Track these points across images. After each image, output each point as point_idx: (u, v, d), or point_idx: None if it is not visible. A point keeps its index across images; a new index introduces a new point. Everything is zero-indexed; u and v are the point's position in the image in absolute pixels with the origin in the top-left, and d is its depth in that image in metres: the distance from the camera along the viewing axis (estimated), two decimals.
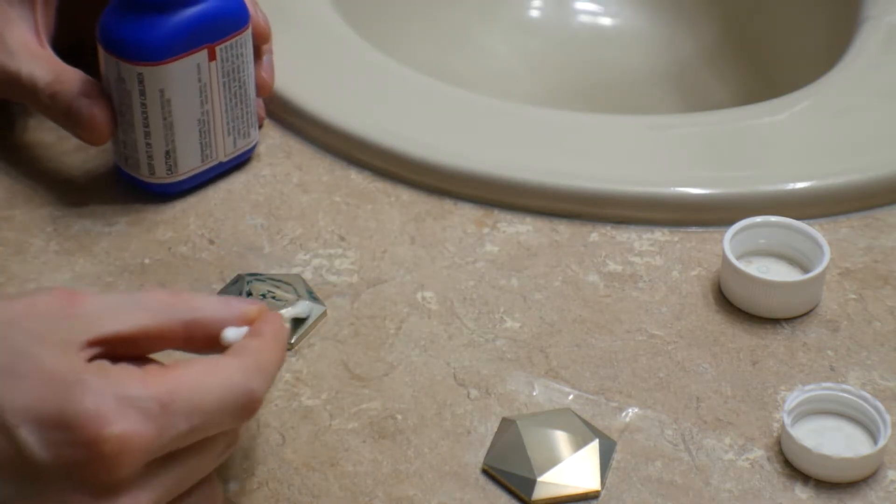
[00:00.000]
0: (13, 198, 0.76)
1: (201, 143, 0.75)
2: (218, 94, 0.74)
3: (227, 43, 0.73)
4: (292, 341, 0.68)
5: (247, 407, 0.55)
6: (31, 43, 0.74)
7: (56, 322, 0.54)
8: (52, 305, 0.54)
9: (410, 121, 0.79)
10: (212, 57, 0.73)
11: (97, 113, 0.73)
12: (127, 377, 0.53)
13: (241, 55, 0.74)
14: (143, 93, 0.72)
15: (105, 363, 0.54)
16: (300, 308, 0.68)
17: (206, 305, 0.57)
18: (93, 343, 0.54)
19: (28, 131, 0.80)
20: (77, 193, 0.76)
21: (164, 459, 0.54)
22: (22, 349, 0.53)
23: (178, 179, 0.75)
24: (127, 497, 0.52)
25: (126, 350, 0.56)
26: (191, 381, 0.54)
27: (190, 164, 0.75)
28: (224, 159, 0.76)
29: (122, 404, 0.52)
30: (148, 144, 0.74)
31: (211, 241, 0.74)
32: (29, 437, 0.51)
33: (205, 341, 0.58)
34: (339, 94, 0.81)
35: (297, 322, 0.68)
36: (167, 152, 0.74)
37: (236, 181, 0.77)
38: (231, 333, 0.57)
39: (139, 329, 0.55)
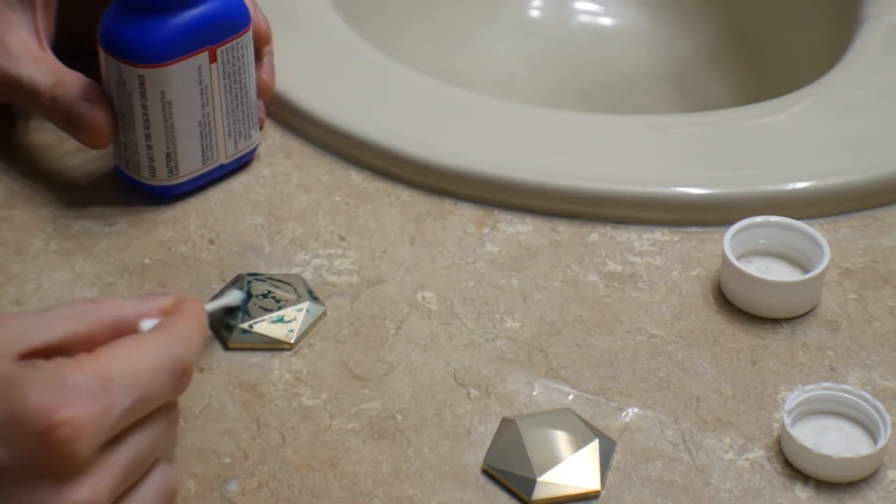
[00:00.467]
0: (13, 198, 0.76)
1: (202, 145, 0.75)
2: (219, 96, 0.74)
3: (228, 45, 0.73)
4: (292, 342, 0.68)
5: (177, 373, 0.57)
6: (31, 46, 0.74)
7: None
8: None
9: (410, 121, 0.79)
10: (213, 59, 0.73)
11: (97, 116, 0.73)
12: (63, 367, 0.54)
13: (242, 57, 0.74)
14: (143, 95, 0.72)
15: (38, 361, 0.55)
16: (230, 297, 0.69)
17: (127, 305, 0.59)
18: (25, 355, 0.55)
19: (29, 132, 0.80)
20: (77, 193, 0.76)
21: (115, 441, 0.55)
22: None
23: (179, 181, 0.75)
24: (88, 480, 0.53)
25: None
26: (121, 357, 0.55)
27: (191, 166, 0.75)
28: (225, 161, 0.76)
29: (65, 391, 0.53)
30: (149, 146, 0.74)
31: (211, 241, 0.74)
32: None
33: None
34: (339, 94, 0.81)
35: (231, 310, 0.69)
36: (168, 154, 0.74)
37: (236, 181, 0.77)
38: (146, 324, 0.59)
39: (68, 336, 0.56)
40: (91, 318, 0.58)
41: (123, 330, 0.58)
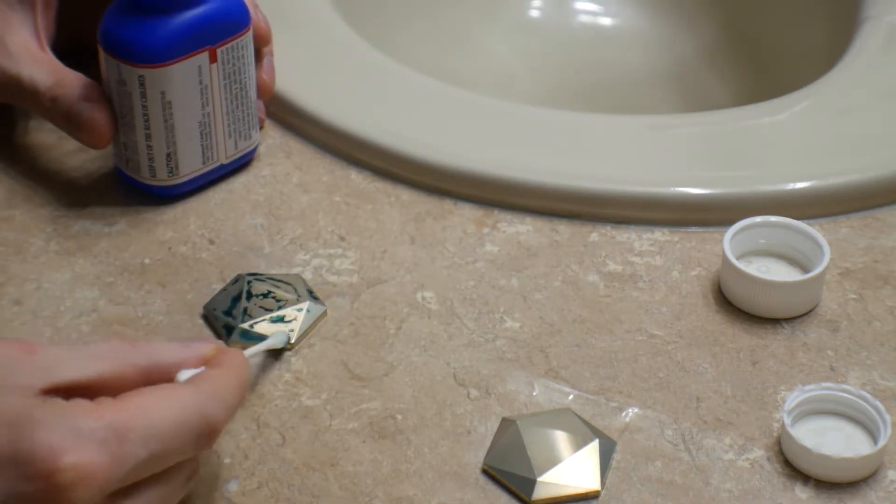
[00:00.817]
0: (13, 198, 0.76)
1: (202, 146, 0.75)
2: (219, 96, 0.74)
3: (229, 45, 0.73)
4: (292, 342, 0.68)
5: (204, 433, 0.55)
6: (31, 47, 0.74)
7: (13, 368, 0.54)
8: (9, 353, 0.54)
9: (410, 121, 0.79)
10: (213, 59, 0.73)
11: (98, 116, 0.73)
12: (79, 410, 0.53)
13: (242, 57, 0.74)
14: (144, 95, 0.72)
15: (58, 400, 0.53)
16: (275, 339, 0.67)
17: (164, 350, 0.57)
18: (49, 391, 0.54)
19: (29, 132, 0.80)
20: (77, 193, 0.76)
21: (126, 492, 0.54)
22: None
23: (179, 182, 0.75)
24: None
25: (84, 398, 0.55)
26: (145, 408, 0.54)
27: (191, 166, 0.75)
28: (225, 161, 0.76)
29: (75, 436, 0.52)
30: (149, 147, 0.74)
31: (211, 241, 0.74)
32: None
33: None
34: (339, 94, 0.81)
35: (275, 351, 0.68)
36: (168, 154, 0.74)
37: (236, 181, 0.77)
38: (185, 375, 0.57)
39: (96, 376, 0.55)
40: (125, 360, 0.56)
41: (157, 376, 0.56)
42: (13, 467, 0.51)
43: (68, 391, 0.54)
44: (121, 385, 0.55)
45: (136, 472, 0.53)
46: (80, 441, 0.51)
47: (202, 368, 0.58)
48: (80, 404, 0.53)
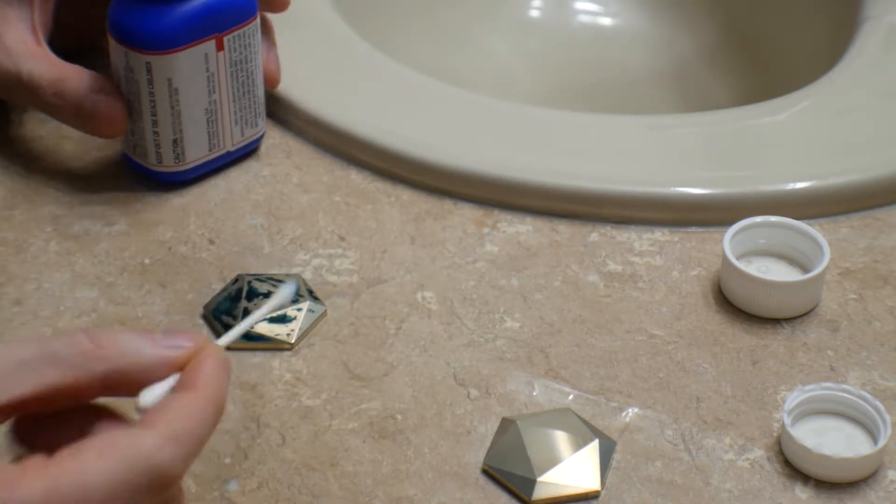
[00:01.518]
0: (13, 197, 0.76)
1: (209, 133, 0.75)
2: (225, 84, 0.74)
3: (235, 33, 0.73)
4: (293, 342, 0.68)
5: (156, 483, 0.49)
6: (29, 42, 0.74)
7: None
8: None
9: (410, 121, 0.79)
10: (220, 47, 0.73)
11: (114, 106, 0.73)
12: (2, 484, 0.47)
13: (249, 45, 0.74)
14: (151, 82, 0.72)
15: None
16: (280, 297, 0.59)
17: (131, 353, 0.52)
18: None
19: (29, 132, 0.80)
20: (77, 193, 0.76)
21: None
22: None
23: (185, 168, 0.75)
24: None
25: (41, 408, 0.51)
26: (76, 470, 0.48)
27: (198, 152, 0.75)
28: (231, 148, 0.76)
29: None
30: (155, 133, 0.74)
31: (211, 241, 0.74)
32: None
33: (129, 392, 0.52)
34: (339, 94, 0.81)
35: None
36: (175, 141, 0.74)
37: (236, 181, 0.77)
38: (147, 398, 0.51)
39: (47, 388, 0.50)
40: (82, 366, 0.51)
41: (117, 384, 0.51)
42: None
43: (18, 408, 0.50)
44: (78, 393, 0.51)
45: None
46: None
47: (172, 380, 0.52)
48: (3, 474, 0.48)
